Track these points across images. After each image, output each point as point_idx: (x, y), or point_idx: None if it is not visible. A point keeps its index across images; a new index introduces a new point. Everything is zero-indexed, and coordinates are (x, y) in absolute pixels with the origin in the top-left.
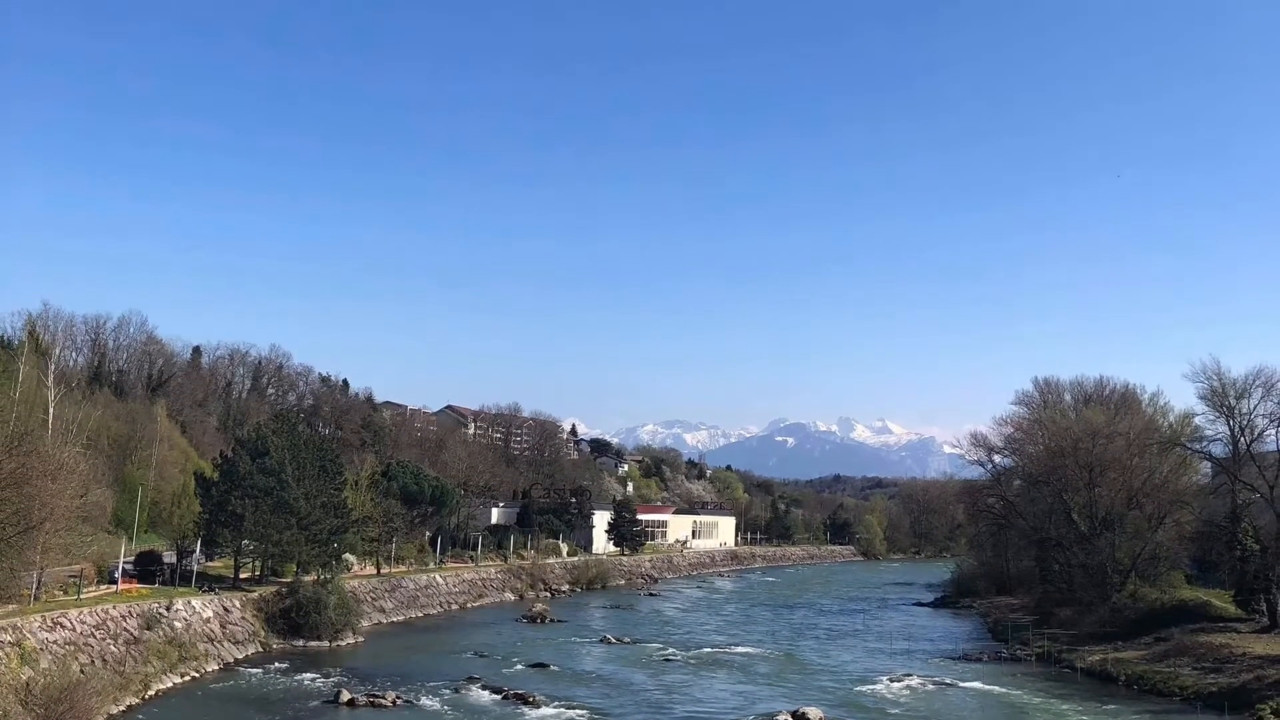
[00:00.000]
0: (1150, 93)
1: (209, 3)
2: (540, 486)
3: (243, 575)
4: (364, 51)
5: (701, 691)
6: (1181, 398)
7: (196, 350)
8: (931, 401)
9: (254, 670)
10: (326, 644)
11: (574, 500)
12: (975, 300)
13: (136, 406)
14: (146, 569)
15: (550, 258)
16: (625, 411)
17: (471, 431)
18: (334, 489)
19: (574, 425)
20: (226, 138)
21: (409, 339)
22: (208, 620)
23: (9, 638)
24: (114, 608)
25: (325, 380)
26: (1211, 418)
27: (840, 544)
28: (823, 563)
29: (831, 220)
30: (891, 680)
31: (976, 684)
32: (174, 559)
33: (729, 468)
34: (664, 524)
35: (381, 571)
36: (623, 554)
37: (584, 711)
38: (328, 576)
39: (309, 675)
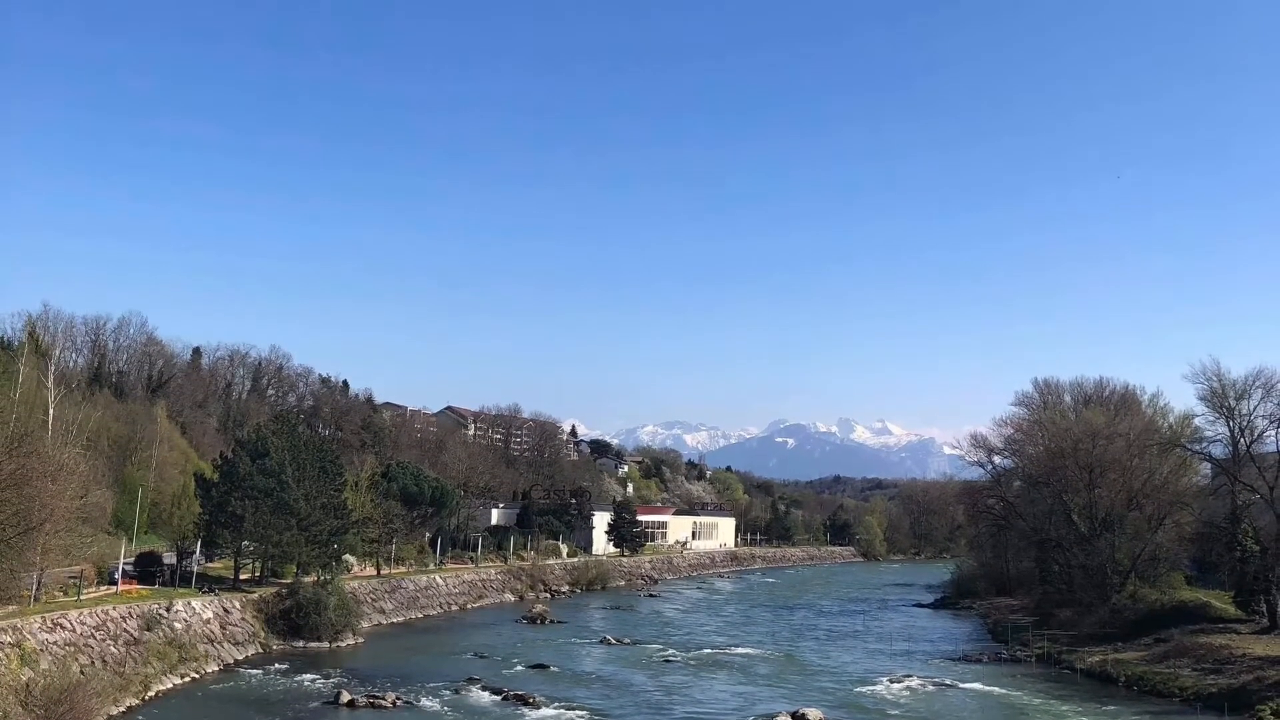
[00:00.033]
0: (1150, 93)
1: (209, 3)
2: (540, 487)
3: (243, 576)
4: (364, 52)
5: (702, 692)
6: (1181, 399)
7: (196, 351)
8: (931, 402)
9: (254, 671)
10: (326, 645)
11: (574, 501)
12: (975, 301)
13: (136, 407)
14: (146, 570)
15: (550, 258)
16: (625, 412)
17: (471, 432)
18: (334, 490)
19: (574, 426)
20: (227, 138)
21: (409, 340)
22: (208, 621)
23: (9, 639)
24: (114, 609)
25: (325, 381)
26: (1211, 419)
27: (840, 545)
28: (823, 564)
29: (831, 221)
30: (891, 681)
31: (976, 685)
32: (174, 560)
33: (729, 469)
34: (664, 525)
35: (381, 572)
36: (623, 555)
37: (584, 712)
38: (328, 577)
39: (309, 676)
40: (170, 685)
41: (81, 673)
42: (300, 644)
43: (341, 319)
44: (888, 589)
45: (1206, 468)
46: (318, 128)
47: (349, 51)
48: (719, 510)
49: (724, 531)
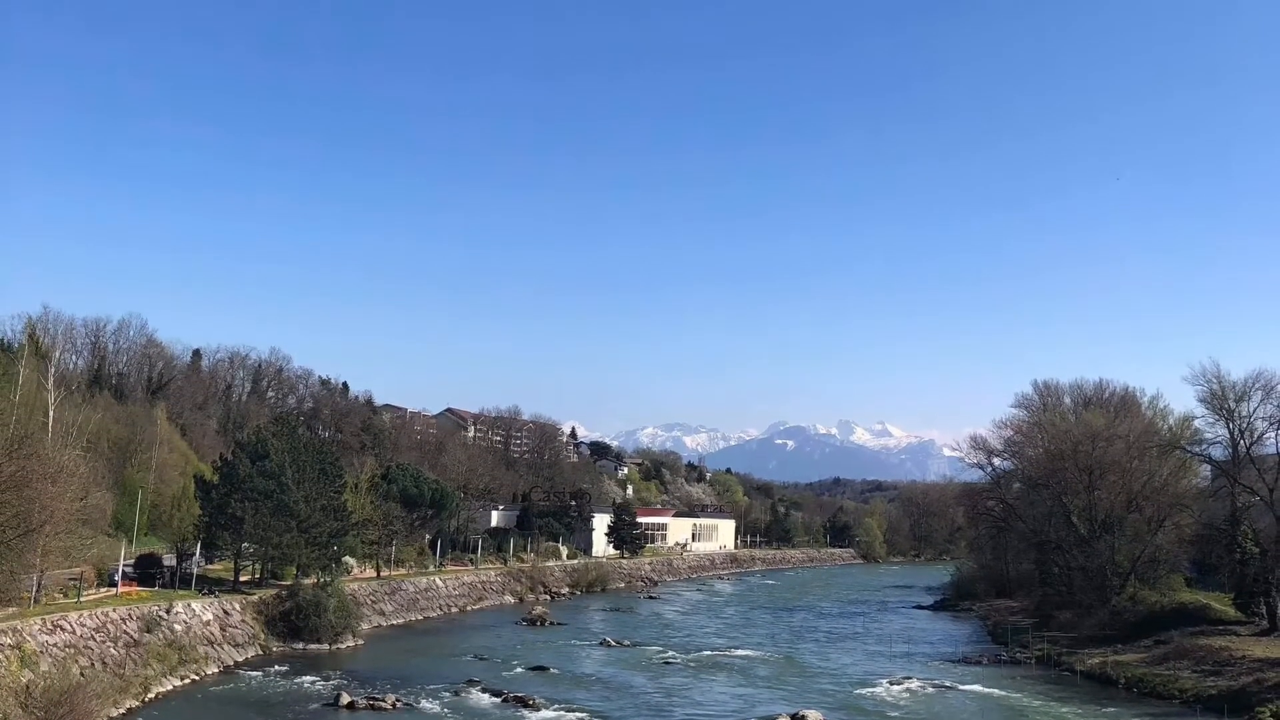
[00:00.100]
0: (1151, 98)
1: (209, 7)
2: (540, 489)
3: (242, 578)
4: (364, 57)
5: (701, 694)
6: (1181, 401)
7: (196, 353)
8: (931, 404)
9: (254, 673)
10: (326, 647)
11: (574, 503)
12: (975, 303)
13: (136, 409)
14: (146, 572)
15: (550, 260)
16: (625, 414)
17: (471, 434)
18: (334, 492)
19: (574, 428)
20: (227, 141)
21: (409, 342)
22: (208, 623)
23: (9, 640)
24: (114, 610)
25: (325, 383)
26: (1211, 421)
27: (840, 547)
28: (822, 566)
29: (831, 224)
30: (891, 683)
31: (976, 687)
32: (174, 562)
33: (729, 471)
34: (664, 527)
35: (381, 574)
36: (622, 557)
37: (584, 714)
38: (327, 579)
39: (309, 678)
40: (170, 687)
41: (81, 674)
42: (300, 646)
43: (341, 321)
44: (887, 591)
45: (1206, 470)
46: (318, 131)
47: (349, 55)
48: (719, 512)
49: (724, 533)
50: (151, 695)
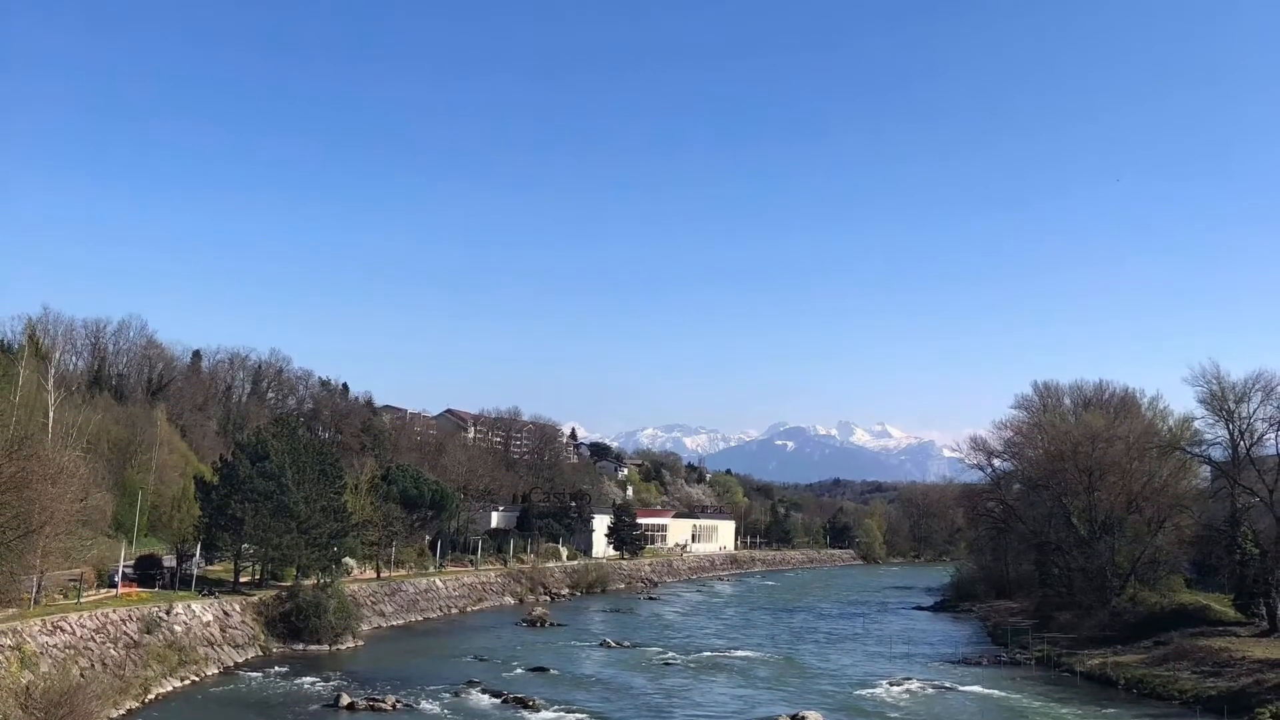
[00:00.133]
0: (1151, 98)
1: (209, 7)
2: (540, 490)
3: (242, 579)
4: (364, 57)
5: (701, 695)
6: (1181, 402)
7: (196, 354)
8: (931, 405)
9: (254, 674)
10: (326, 648)
11: (574, 504)
12: (975, 304)
13: (136, 410)
14: (146, 573)
15: (550, 261)
16: (625, 415)
17: (471, 435)
18: (334, 493)
19: (574, 429)
20: (227, 142)
21: (409, 343)
22: (208, 624)
23: (9, 641)
24: (114, 611)
25: (325, 384)
26: (1211, 421)
27: (840, 548)
28: (822, 567)
29: (831, 224)
30: (891, 684)
31: (976, 688)
32: (174, 563)
33: (729, 472)
34: (664, 528)
35: (381, 575)
36: (622, 558)
37: (584, 715)
38: (327, 580)
39: (309, 679)
40: (170, 688)
41: (81, 675)
42: (300, 647)
43: (341, 322)
44: (887, 592)
45: (1206, 471)
46: (318, 131)
47: (349, 55)
48: (719, 513)
49: (724, 534)
50: (151, 696)
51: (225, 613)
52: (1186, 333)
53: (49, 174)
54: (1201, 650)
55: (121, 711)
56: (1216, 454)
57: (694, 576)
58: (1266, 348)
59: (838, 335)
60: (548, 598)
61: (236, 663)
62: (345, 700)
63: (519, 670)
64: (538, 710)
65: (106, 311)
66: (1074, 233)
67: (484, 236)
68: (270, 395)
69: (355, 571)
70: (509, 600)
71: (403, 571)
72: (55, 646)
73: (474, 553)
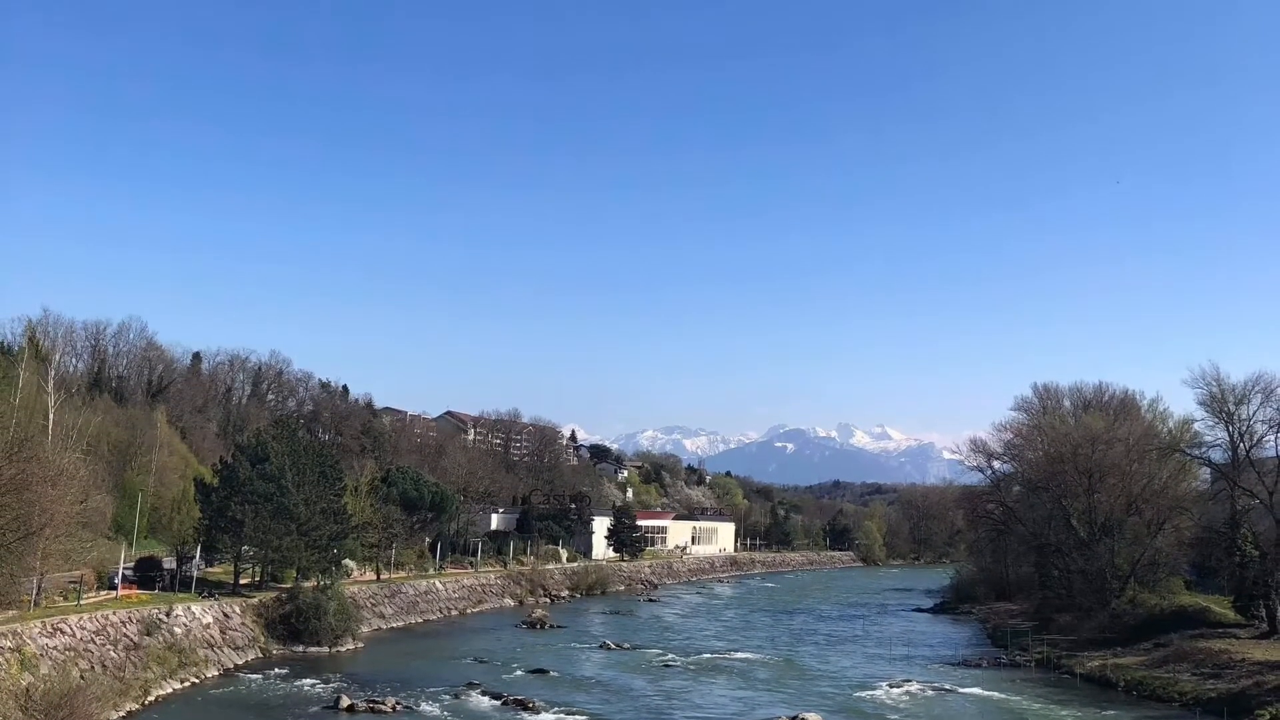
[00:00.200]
0: (1151, 98)
1: (209, 7)
2: (540, 492)
3: (242, 581)
4: (364, 57)
5: (701, 697)
6: (1181, 403)
7: (196, 356)
8: (931, 407)
9: (254, 676)
10: (326, 650)
11: (574, 506)
12: (975, 305)
13: (136, 412)
14: (146, 575)
15: (550, 261)
16: (625, 417)
17: (471, 437)
18: (334, 495)
19: (574, 431)
20: (227, 142)
21: (409, 345)
22: (207, 626)
23: (9, 643)
24: (114, 613)
25: (325, 386)
26: (1211, 423)
27: (840, 550)
28: (822, 568)
29: (831, 225)
30: (891, 686)
31: (976, 690)
32: (174, 565)
33: (728, 474)
34: (663, 530)
35: (381, 577)
36: (622, 560)
37: (584, 717)
38: (327, 582)
39: (309, 681)
40: (170, 690)
41: (81, 677)
42: (300, 649)
43: (341, 323)
44: (887, 594)
45: (1206, 472)
46: (318, 131)
47: (349, 55)
48: (718, 515)
49: (723, 536)
50: (151, 698)
51: (225, 615)
52: (1187, 334)
53: (49, 174)
54: (1201, 652)
55: (121, 713)
56: (1216, 456)
57: (694, 578)
58: (1266, 349)
59: (838, 336)
60: (547, 600)
61: (236, 665)
62: (345, 702)
63: (519, 672)
64: (538, 712)
65: (106, 313)
66: (1074, 233)
67: (484, 237)
68: (270, 397)
69: (355, 573)
70: (509, 602)
71: (403, 573)
72: (55, 648)
73: (474, 555)
